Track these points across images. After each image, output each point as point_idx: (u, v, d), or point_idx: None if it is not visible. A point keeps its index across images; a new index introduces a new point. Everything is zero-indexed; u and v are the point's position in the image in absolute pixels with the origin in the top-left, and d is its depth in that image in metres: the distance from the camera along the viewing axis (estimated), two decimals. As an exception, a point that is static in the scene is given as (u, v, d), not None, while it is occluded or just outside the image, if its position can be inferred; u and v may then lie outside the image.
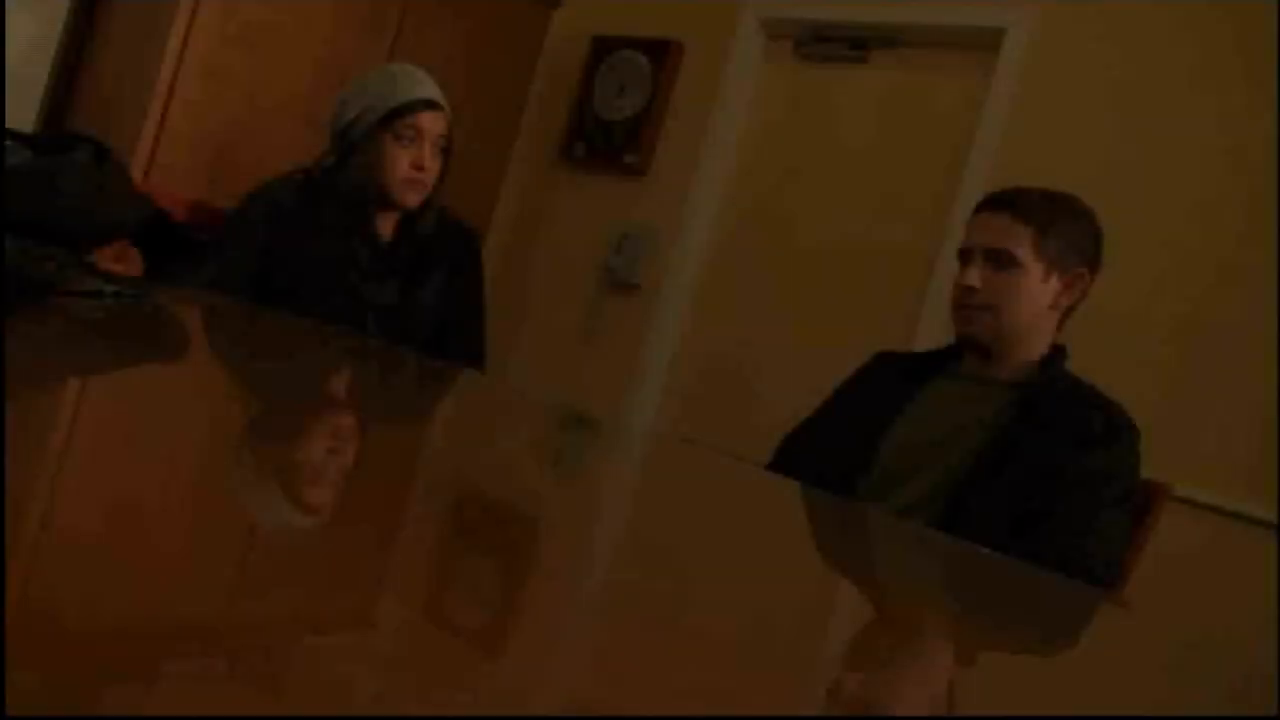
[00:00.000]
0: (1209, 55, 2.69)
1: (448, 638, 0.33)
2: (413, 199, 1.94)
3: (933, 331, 2.89)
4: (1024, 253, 1.49)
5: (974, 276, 1.53)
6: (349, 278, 1.93)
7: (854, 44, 3.34)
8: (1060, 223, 1.48)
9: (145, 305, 0.92)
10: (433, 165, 1.94)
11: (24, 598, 0.25)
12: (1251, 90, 2.62)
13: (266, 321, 1.39)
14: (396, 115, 1.91)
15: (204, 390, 0.70)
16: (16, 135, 0.85)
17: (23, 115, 2.70)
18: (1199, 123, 2.68)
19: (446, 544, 0.47)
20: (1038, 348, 1.53)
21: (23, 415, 0.43)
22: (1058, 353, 1.54)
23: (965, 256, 1.56)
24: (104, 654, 0.24)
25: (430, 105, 1.94)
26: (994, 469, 1.43)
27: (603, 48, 3.75)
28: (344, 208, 1.94)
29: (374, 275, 1.96)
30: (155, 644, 0.26)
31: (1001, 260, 1.51)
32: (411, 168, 1.91)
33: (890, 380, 1.63)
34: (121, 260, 1.61)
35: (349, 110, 1.94)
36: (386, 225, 1.99)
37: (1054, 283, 1.49)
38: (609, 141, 3.69)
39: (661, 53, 3.60)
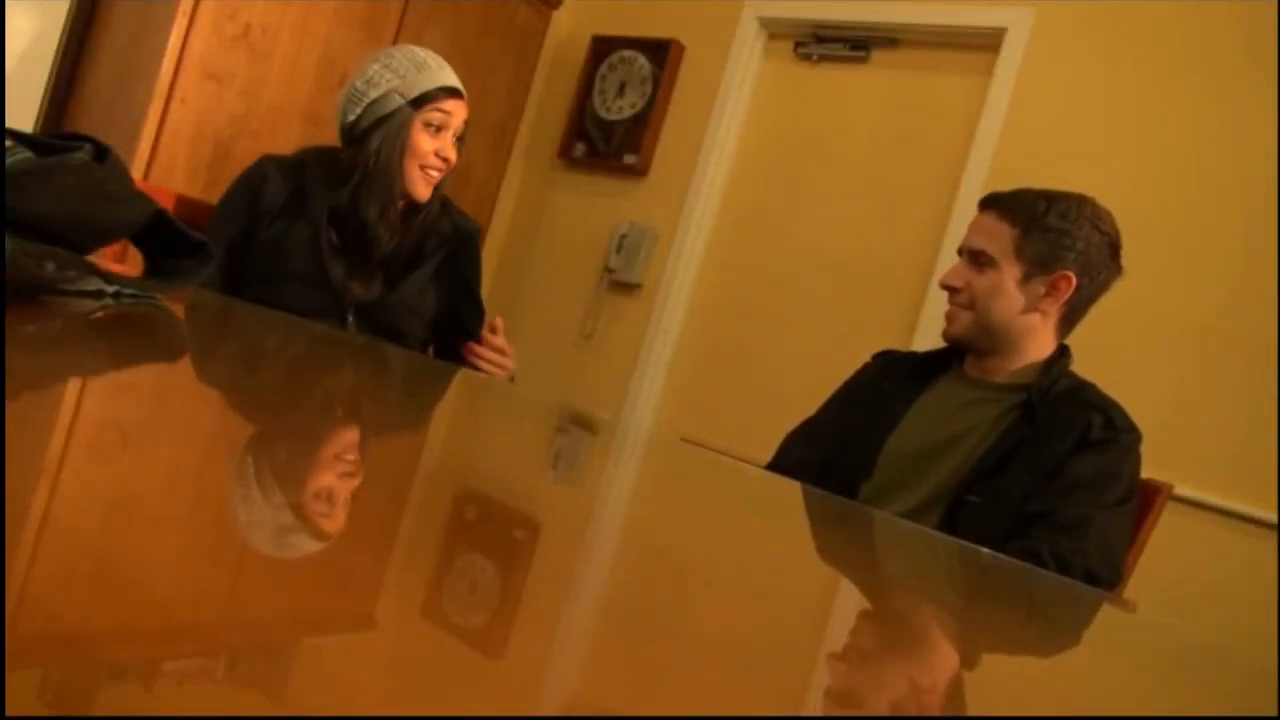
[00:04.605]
0: (1210, 54, 2.69)
1: (448, 638, 0.33)
2: (425, 190, 1.87)
3: (932, 330, 2.89)
4: (1000, 252, 1.49)
5: (954, 275, 1.54)
6: (331, 271, 1.84)
7: (854, 44, 3.34)
8: (1046, 224, 1.47)
9: (145, 305, 0.92)
10: (453, 156, 1.87)
11: (24, 598, 0.25)
12: (1253, 89, 2.62)
13: (267, 321, 1.39)
14: (426, 100, 1.83)
15: (204, 390, 0.70)
16: (16, 135, 0.85)
17: (23, 115, 2.70)
18: (1200, 122, 2.68)
19: (446, 544, 0.47)
20: (1036, 349, 1.53)
21: (23, 415, 0.43)
22: (1060, 354, 1.54)
23: (959, 255, 1.57)
24: (104, 654, 0.24)
25: (458, 93, 1.87)
26: (995, 471, 1.43)
27: (603, 48, 3.76)
28: (351, 194, 1.83)
29: (359, 270, 1.87)
30: (155, 644, 0.26)
31: (981, 260, 1.51)
32: (435, 157, 1.84)
33: (893, 381, 1.63)
34: (121, 260, 1.61)
35: (372, 89, 1.83)
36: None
37: (1037, 285, 1.49)
38: (609, 141, 3.69)
39: (661, 53, 3.61)
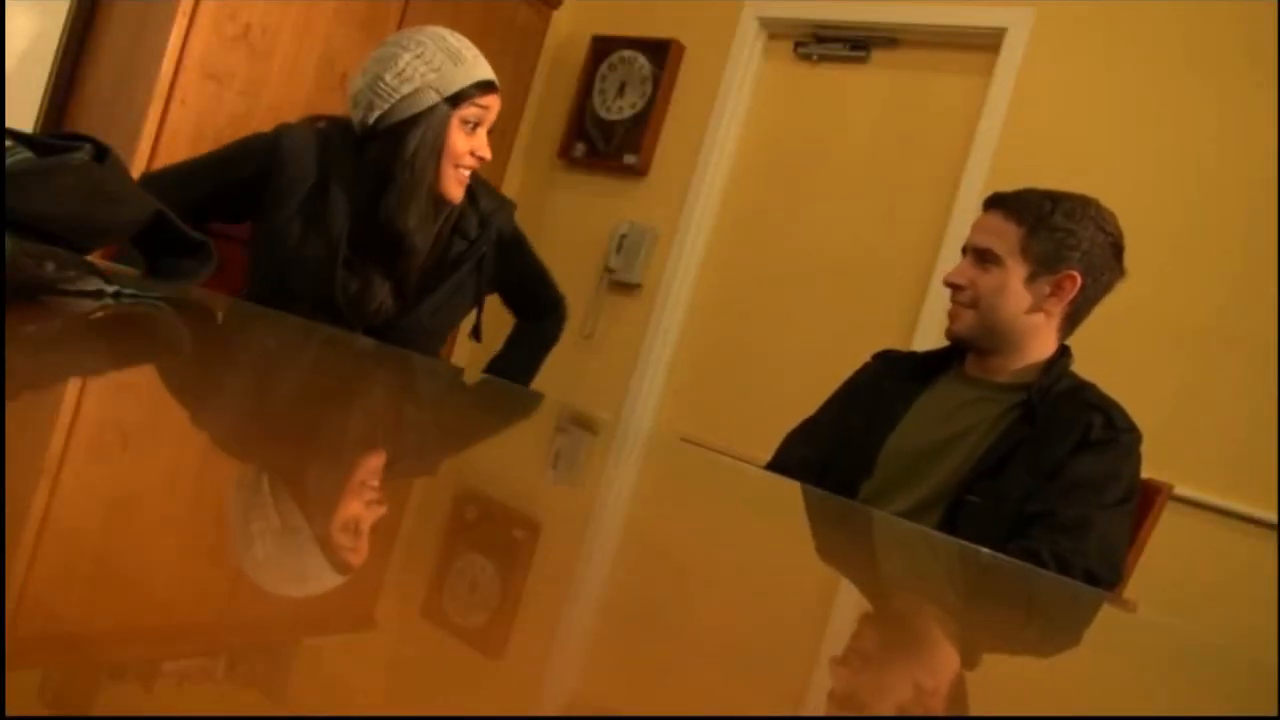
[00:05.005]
0: (1210, 54, 2.69)
1: (448, 638, 0.33)
2: (458, 191, 1.72)
3: (932, 330, 2.89)
4: (1006, 251, 1.49)
5: (958, 274, 1.54)
6: (339, 297, 1.69)
7: (854, 44, 3.34)
8: (1052, 223, 1.47)
9: (145, 305, 0.92)
10: (488, 154, 1.73)
11: (24, 598, 0.25)
12: (1253, 89, 2.62)
13: (267, 321, 1.39)
14: (464, 98, 1.67)
15: (204, 391, 0.70)
16: (16, 135, 0.85)
17: (23, 115, 2.70)
18: (1200, 122, 2.68)
19: (446, 544, 0.47)
20: (1038, 349, 1.52)
21: (23, 415, 0.43)
22: (1061, 355, 1.54)
23: (963, 254, 1.57)
24: (104, 654, 0.24)
25: (494, 87, 1.72)
26: (995, 471, 1.43)
27: (603, 48, 3.76)
28: (384, 201, 1.67)
29: (369, 291, 1.72)
30: (155, 644, 0.26)
31: (986, 258, 1.51)
32: (471, 156, 1.70)
33: (893, 381, 1.63)
34: (121, 260, 1.60)
35: (404, 83, 1.64)
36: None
37: (1042, 284, 1.49)
38: (609, 141, 3.69)
39: (661, 53, 3.61)
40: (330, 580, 0.32)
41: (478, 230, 1.81)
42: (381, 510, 0.39)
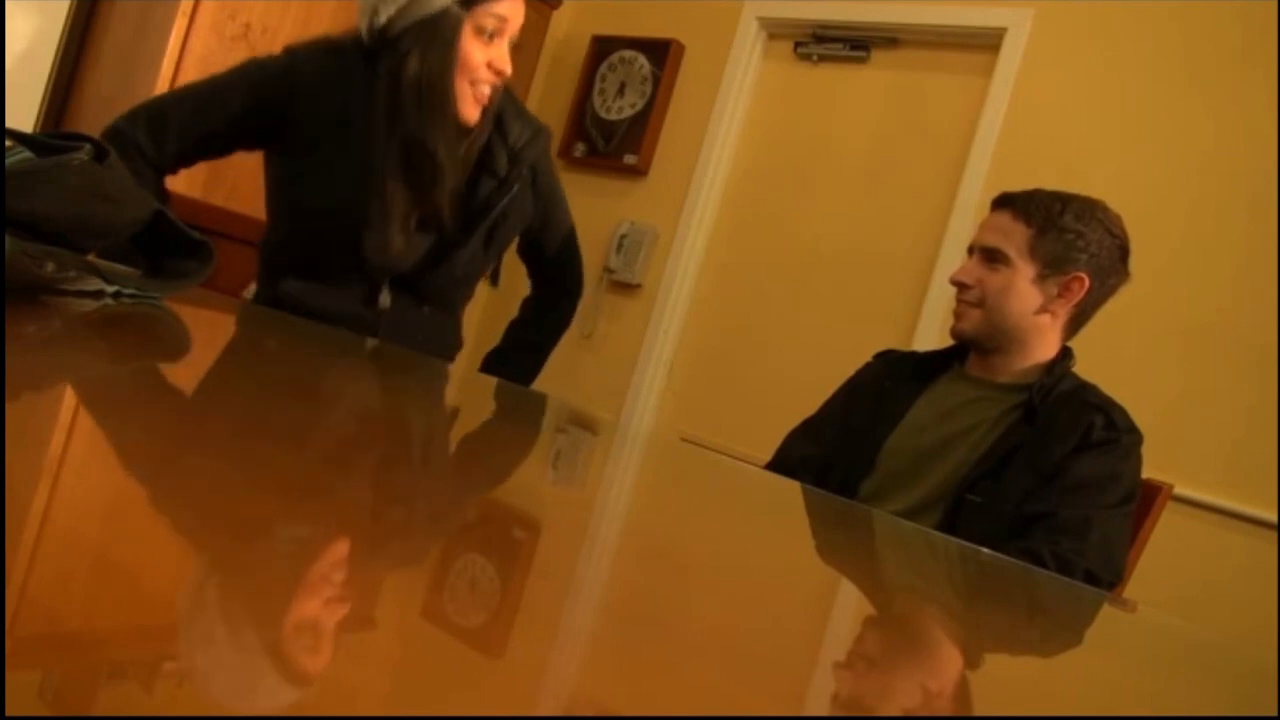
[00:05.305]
0: (1209, 55, 2.69)
1: (448, 638, 0.33)
2: (473, 111, 1.55)
3: (931, 330, 2.89)
4: (1015, 251, 1.49)
5: (965, 273, 1.54)
6: (368, 230, 1.53)
7: (854, 44, 3.34)
8: (1061, 225, 1.47)
9: (145, 305, 0.92)
10: (508, 68, 1.54)
11: (24, 598, 0.25)
12: (1253, 89, 2.62)
13: (269, 322, 1.39)
14: (478, 0, 1.49)
15: (204, 391, 0.70)
16: (16, 135, 0.85)
17: (23, 115, 2.70)
18: (1200, 122, 2.68)
19: (447, 544, 0.47)
20: (1041, 350, 1.53)
21: (23, 415, 0.43)
22: (1063, 355, 1.54)
23: (968, 253, 1.57)
24: (104, 654, 0.24)
25: None
26: (996, 471, 1.43)
27: (603, 48, 3.76)
28: (407, 124, 1.50)
29: (399, 219, 1.55)
30: (155, 644, 0.26)
31: (994, 258, 1.51)
32: (488, 70, 1.52)
33: (894, 380, 1.64)
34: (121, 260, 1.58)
35: None
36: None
37: (1050, 285, 1.49)
38: (609, 141, 3.69)
39: (661, 53, 3.61)
40: (286, 695, 0.26)
41: (507, 167, 1.63)
42: (346, 608, 0.32)
